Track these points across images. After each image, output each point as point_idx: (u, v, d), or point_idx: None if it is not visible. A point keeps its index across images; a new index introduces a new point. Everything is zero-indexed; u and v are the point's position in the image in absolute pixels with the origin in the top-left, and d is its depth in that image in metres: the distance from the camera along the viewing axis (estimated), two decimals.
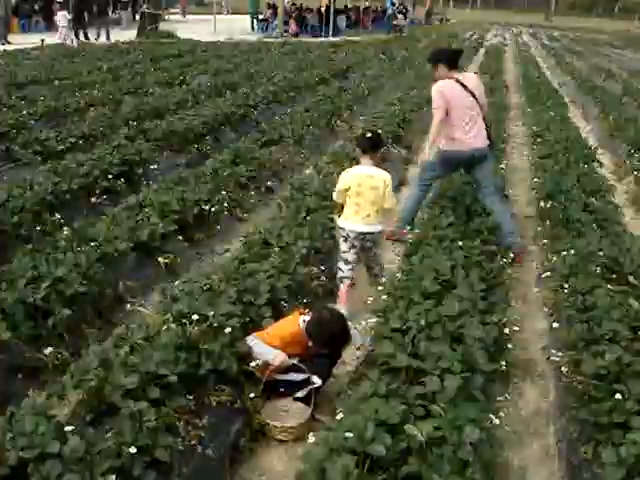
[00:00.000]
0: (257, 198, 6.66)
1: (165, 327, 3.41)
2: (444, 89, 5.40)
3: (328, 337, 3.51)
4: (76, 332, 3.83)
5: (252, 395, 3.29)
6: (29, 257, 4.23)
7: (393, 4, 37.14)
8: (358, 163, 4.78)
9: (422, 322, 3.52)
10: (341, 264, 4.62)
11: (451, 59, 5.59)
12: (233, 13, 39.71)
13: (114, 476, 2.44)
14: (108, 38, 22.44)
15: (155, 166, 7.21)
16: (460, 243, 4.72)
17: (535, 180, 7.40)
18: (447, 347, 3.30)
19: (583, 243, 4.90)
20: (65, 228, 4.93)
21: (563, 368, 3.64)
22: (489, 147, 5.64)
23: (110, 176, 6.33)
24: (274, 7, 32.74)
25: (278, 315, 3.84)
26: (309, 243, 4.77)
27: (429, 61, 5.85)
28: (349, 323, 3.67)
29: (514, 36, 39.99)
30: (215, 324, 3.42)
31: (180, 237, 5.30)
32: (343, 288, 4.58)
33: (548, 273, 4.96)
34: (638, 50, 32.64)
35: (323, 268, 4.78)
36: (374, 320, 4.02)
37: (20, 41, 20.10)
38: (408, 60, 19.11)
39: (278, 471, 3.11)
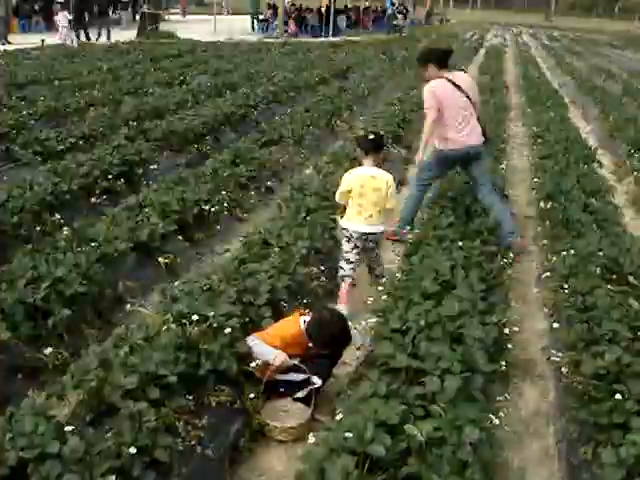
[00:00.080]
0: (257, 198, 6.66)
1: (165, 327, 3.41)
2: (436, 89, 5.41)
3: (328, 338, 3.51)
4: (76, 332, 3.83)
5: (252, 395, 3.29)
6: (29, 257, 4.23)
7: (393, 4, 37.14)
8: (360, 164, 4.80)
9: (422, 322, 3.52)
10: (343, 263, 4.64)
11: (441, 59, 5.59)
12: (233, 13, 39.72)
13: (114, 476, 2.44)
14: (109, 38, 22.46)
15: (155, 166, 7.20)
16: (460, 243, 4.72)
17: (535, 180, 7.40)
18: (447, 347, 3.30)
19: (583, 243, 4.90)
20: (65, 228, 4.93)
21: (563, 368, 3.64)
22: (484, 144, 5.66)
23: (110, 176, 6.33)
24: (274, 7, 32.76)
25: (278, 315, 3.83)
26: (309, 243, 4.77)
27: (418, 61, 5.83)
28: (349, 323, 3.67)
29: (514, 36, 40.00)
30: (215, 324, 3.42)
31: (180, 237, 5.30)
32: (344, 287, 4.59)
33: (548, 273, 4.96)
34: (638, 50, 32.63)
35: (323, 268, 4.78)
36: (374, 320, 4.02)
37: (20, 41, 20.12)
38: (408, 60, 19.09)
39: (278, 471, 3.11)
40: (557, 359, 3.79)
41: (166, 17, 32.99)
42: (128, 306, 4.23)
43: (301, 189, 6.08)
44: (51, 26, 23.84)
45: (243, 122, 9.80)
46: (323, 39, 28.52)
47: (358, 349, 3.82)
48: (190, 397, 3.07)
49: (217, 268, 4.42)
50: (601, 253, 4.65)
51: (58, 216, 5.36)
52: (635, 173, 7.96)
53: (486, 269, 4.43)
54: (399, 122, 9.48)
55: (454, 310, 3.63)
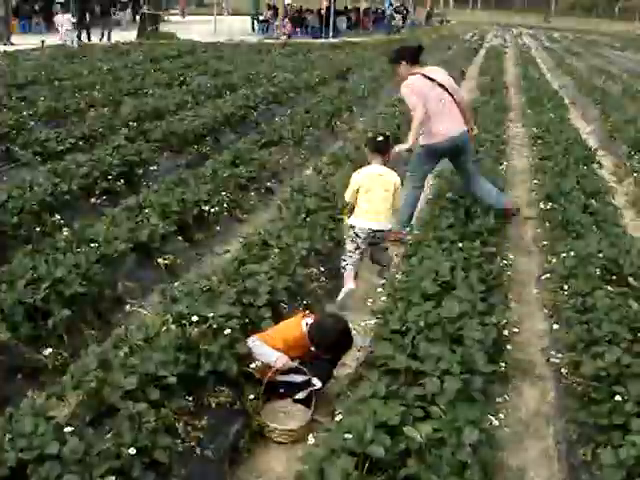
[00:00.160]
0: (257, 199, 6.66)
1: (164, 328, 3.41)
2: (414, 85, 5.46)
3: (331, 344, 3.50)
4: (76, 333, 3.83)
5: (252, 396, 3.29)
6: (29, 258, 4.23)
7: (391, 4, 37.17)
8: (369, 163, 5.01)
9: (421, 323, 3.52)
10: (345, 258, 4.79)
11: (413, 56, 5.66)
12: (233, 14, 39.74)
13: (113, 477, 2.43)
14: (109, 39, 22.47)
15: (155, 167, 7.21)
16: (460, 244, 4.73)
17: (535, 182, 7.41)
18: (446, 348, 3.29)
19: (583, 244, 4.90)
20: (65, 229, 4.93)
21: (563, 369, 3.64)
22: (467, 132, 5.72)
23: (110, 177, 6.33)
24: (274, 8, 32.78)
25: (278, 316, 3.83)
26: (309, 244, 4.77)
27: (391, 61, 5.85)
28: (350, 325, 3.67)
29: (514, 37, 40.01)
30: (215, 325, 3.42)
31: (180, 238, 5.30)
32: (347, 273, 4.75)
33: (548, 274, 4.96)
34: (638, 51, 32.64)
35: (323, 269, 4.78)
36: (374, 321, 4.02)
37: (20, 42, 20.14)
38: None
39: (277, 472, 3.11)
40: (557, 360, 3.79)
41: (166, 18, 33.00)
42: (128, 307, 4.23)
43: (301, 190, 6.08)
44: (51, 27, 23.86)
45: (243, 123, 9.80)
46: (323, 40, 28.53)
47: (358, 350, 3.82)
48: (190, 398, 3.07)
49: (217, 269, 4.42)
50: (601, 254, 4.65)
51: (58, 217, 5.36)
52: (635, 174, 7.96)
53: (486, 270, 4.43)
54: (399, 123, 9.47)
55: (454, 311, 3.63)
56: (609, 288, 4.18)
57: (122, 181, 6.43)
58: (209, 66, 15.37)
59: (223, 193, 6.13)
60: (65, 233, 4.78)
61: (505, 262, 5.02)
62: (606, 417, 3.01)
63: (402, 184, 5.09)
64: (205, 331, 3.39)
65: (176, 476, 2.71)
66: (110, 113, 9.08)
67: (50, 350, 3.51)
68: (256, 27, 32.98)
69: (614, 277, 4.40)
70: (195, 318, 3.44)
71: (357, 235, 4.71)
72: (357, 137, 8.74)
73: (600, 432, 3.01)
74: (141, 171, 6.90)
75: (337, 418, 2.88)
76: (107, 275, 4.32)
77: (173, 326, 3.41)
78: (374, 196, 4.70)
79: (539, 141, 9.21)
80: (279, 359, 3.38)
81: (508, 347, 3.91)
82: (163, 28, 26.12)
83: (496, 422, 3.05)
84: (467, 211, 5.64)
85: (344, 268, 4.77)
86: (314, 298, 4.44)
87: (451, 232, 5.03)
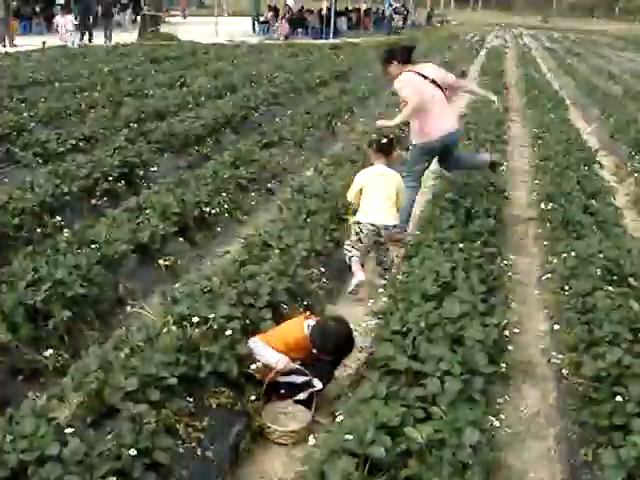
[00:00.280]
0: (257, 200, 6.66)
1: (165, 329, 3.41)
2: (407, 80, 5.48)
3: (333, 347, 3.49)
4: (76, 334, 3.83)
5: (252, 397, 3.29)
6: (29, 259, 4.24)
7: (390, 5, 37.19)
8: (372, 164, 5.13)
9: (422, 324, 3.52)
10: (348, 248, 4.90)
11: (405, 55, 5.68)
12: (234, 15, 39.77)
13: (114, 478, 2.44)
14: (110, 40, 22.50)
15: (155, 168, 7.20)
16: (460, 245, 4.72)
17: (536, 182, 7.41)
18: (447, 349, 3.29)
19: (583, 245, 4.90)
20: (65, 230, 4.93)
21: (563, 370, 3.64)
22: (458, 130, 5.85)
23: (110, 178, 6.32)
24: (275, 9, 32.80)
25: (278, 317, 3.83)
26: (309, 245, 4.77)
27: (382, 61, 5.85)
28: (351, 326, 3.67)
29: (514, 38, 40.01)
30: (215, 326, 3.42)
31: (180, 239, 5.30)
32: (354, 265, 4.83)
33: (548, 275, 4.96)
34: (638, 52, 32.64)
35: (324, 270, 4.78)
36: (374, 322, 4.02)
37: (21, 43, 20.16)
38: None
39: (278, 473, 3.11)
40: (557, 361, 3.79)
41: (166, 19, 33.02)
42: (128, 308, 4.23)
43: (301, 191, 6.08)
44: (52, 28, 23.90)
45: (244, 124, 9.80)
46: (324, 40, 28.56)
47: (359, 351, 3.82)
48: (190, 399, 3.07)
49: (217, 270, 4.42)
50: (602, 255, 4.65)
51: (59, 218, 5.36)
52: (636, 174, 7.95)
53: (486, 271, 4.43)
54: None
55: (454, 312, 3.63)
56: (610, 288, 4.18)
57: (123, 182, 6.43)
58: (210, 67, 15.37)
59: (224, 194, 6.13)
60: (66, 234, 4.78)
61: (506, 262, 5.01)
62: (607, 418, 3.01)
63: None
64: (206, 332, 3.39)
65: (177, 477, 2.71)
66: (111, 114, 9.08)
67: (51, 351, 3.51)
68: (257, 28, 32.99)
69: (615, 277, 4.40)
70: (196, 319, 3.44)
71: (361, 230, 4.81)
72: (358, 138, 8.75)
73: (601, 433, 3.01)
74: (142, 172, 6.90)
75: (338, 419, 2.88)
76: (108, 276, 4.32)
77: (174, 327, 3.41)
78: (377, 195, 4.80)
79: (540, 141, 9.21)
80: (280, 361, 3.38)
81: (509, 348, 3.90)
82: (164, 29, 26.12)
83: (497, 423, 3.05)
84: (468, 212, 5.64)
85: (349, 260, 4.87)
86: (315, 299, 4.44)
87: (452, 233, 5.03)
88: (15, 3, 24.95)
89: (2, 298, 3.68)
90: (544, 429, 3.50)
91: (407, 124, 5.95)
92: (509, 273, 4.95)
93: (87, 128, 8.17)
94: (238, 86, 12.50)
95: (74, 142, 7.57)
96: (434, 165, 6.21)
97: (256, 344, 3.46)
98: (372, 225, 4.77)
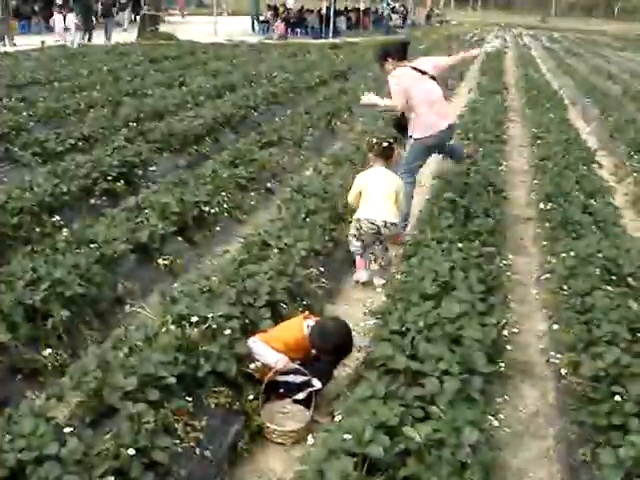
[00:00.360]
0: (257, 199, 6.66)
1: (164, 329, 3.41)
2: (400, 77, 5.48)
3: (332, 347, 3.49)
4: (75, 334, 3.83)
5: (251, 397, 3.29)
6: (28, 258, 4.24)
7: (388, 4, 37.19)
8: (371, 167, 5.17)
9: (421, 324, 3.52)
10: (349, 244, 5.03)
11: (400, 52, 5.67)
12: (233, 14, 39.77)
13: (113, 477, 2.44)
14: (109, 39, 22.49)
15: (154, 168, 7.20)
16: (459, 245, 4.73)
17: (535, 182, 7.41)
18: (446, 349, 3.30)
19: (582, 245, 4.90)
20: (64, 229, 4.94)
21: (562, 370, 3.64)
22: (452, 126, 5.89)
23: (109, 178, 6.32)
24: (275, 8, 32.80)
25: (277, 317, 3.83)
26: (308, 245, 4.77)
27: (377, 59, 5.82)
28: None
29: (514, 37, 40.02)
30: (214, 326, 3.42)
31: (180, 238, 5.30)
32: (357, 260, 5.01)
33: (547, 275, 4.96)
34: (637, 52, 32.65)
35: (323, 270, 4.78)
36: (373, 322, 4.02)
37: (20, 42, 20.15)
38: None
39: (276, 473, 3.11)
40: (556, 360, 3.79)
41: (166, 18, 33.01)
42: (127, 307, 4.24)
43: (301, 190, 6.08)
44: (51, 27, 23.89)
45: (243, 123, 9.80)
46: (323, 40, 28.56)
47: (358, 351, 3.82)
48: (189, 398, 3.06)
49: (216, 269, 4.43)
50: (600, 254, 4.65)
51: (57, 217, 5.36)
52: (635, 174, 7.96)
53: (485, 270, 4.43)
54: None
55: (453, 311, 3.63)
56: (609, 288, 4.18)
57: (122, 182, 6.43)
58: (209, 66, 15.37)
59: (223, 193, 6.13)
60: (65, 234, 4.78)
61: (505, 262, 5.02)
62: (605, 417, 3.01)
63: None
64: (205, 331, 3.40)
65: (175, 477, 2.71)
66: (110, 114, 9.08)
67: (50, 351, 3.51)
68: (256, 27, 32.98)
69: (614, 277, 4.40)
70: (195, 318, 3.44)
71: (361, 227, 4.85)
72: (357, 137, 8.75)
73: (600, 432, 3.01)
74: (141, 172, 6.90)
75: (336, 418, 2.88)
76: (106, 276, 4.32)
77: (173, 326, 3.41)
78: (376, 196, 4.84)
79: (539, 141, 9.21)
80: (279, 360, 3.38)
81: (508, 347, 3.91)
82: (163, 29, 26.12)
83: (496, 422, 3.05)
84: (466, 211, 5.65)
85: (354, 254, 5.03)
86: (314, 298, 4.44)
87: (450, 232, 5.03)
88: (14, 2, 24.96)
89: (1, 297, 3.68)
90: (543, 429, 3.51)
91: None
92: (508, 273, 4.95)
93: (86, 128, 8.17)
94: (237, 85, 12.51)
95: (73, 142, 7.58)
96: (434, 165, 6.22)
97: (255, 344, 3.46)
98: (372, 223, 4.77)
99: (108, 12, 24.49)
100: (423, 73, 5.54)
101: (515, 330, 4.19)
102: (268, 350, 3.42)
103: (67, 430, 2.60)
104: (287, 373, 3.43)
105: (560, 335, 4.01)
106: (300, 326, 3.56)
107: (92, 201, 6.00)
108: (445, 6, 71.86)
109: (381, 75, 15.16)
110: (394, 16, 36.82)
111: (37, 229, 5.12)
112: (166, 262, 4.90)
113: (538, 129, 9.95)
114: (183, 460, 2.79)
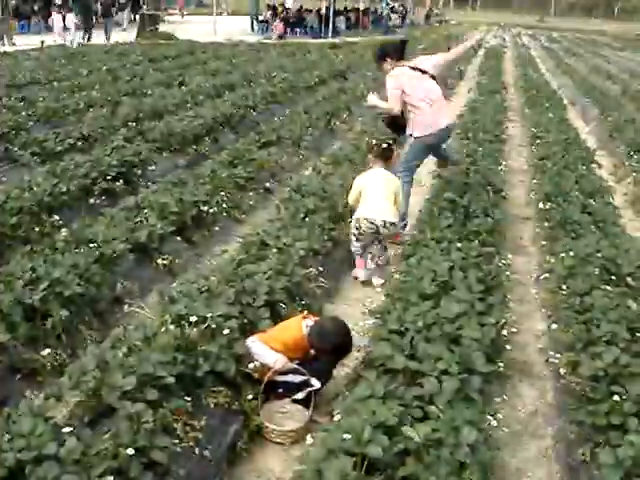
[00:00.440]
0: (255, 199, 6.65)
1: (163, 328, 3.41)
2: (398, 77, 5.49)
3: (331, 348, 3.49)
4: (74, 333, 3.83)
5: (250, 396, 3.29)
6: (27, 258, 4.23)
7: (387, 4, 37.21)
8: (371, 168, 5.20)
9: (420, 324, 3.52)
10: (351, 244, 5.06)
11: (398, 51, 5.68)
12: (233, 14, 39.76)
13: (111, 477, 2.44)
14: (109, 39, 22.49)
15: (153, 167, 7.20)
16: (458, 244, 4.73)
17: (534, 181, 7.41)
18: (445, 348, 3.30)
19: (582, 244, 4.91)
20: (63, 229, 4.94)
21: (561, 369, 3.64)
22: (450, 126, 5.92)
23: (108, 177, 6.32)
24: (274, 8, 32.80)
25: (276, 317, 3.83)
26: (307, 244, 4.77)
27: (376, 59, 5.82)
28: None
29: (513, 37, 40.02)
30: (213, 325, 3.42)
31: (178, 238, 5.30)
32: (357, 259, 5.06)
33: (546, 274, 4.96)
34: (637, 51, 32.66)
35: (321, 269, 4.78)
36: (372, 322, 4.02)
37: (20, 42, 20.14)
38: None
39: (275, 473, 3.11)
40: (555, 360, 3.79)
41: (165, 18, 33.00)
42: (126, 307, 4.23)
43: (300, 190, 6.08)
44: (50, 27, 23.89)
45: (242, 123, 9.80)
46: (322, 40, 28.56)
47: (357, 351, 3.82)
48: (188, 398, 3.06)
49: (215, 269, 4.42)
50: (600, 254, 4.65)
51: (56, 217, 5.36)
52: (634, 174, 7.96)
53: (484, 270, 4.43)
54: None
55: (452, 311, 3.63)
56: (608, 288, 4.19)
57: (121, 181, 6.43)
58: (208, 66, 15.36)
59: (222, 193, 6.13)
60: (64, 233, 4.78)
61: (504, 262, 5.02)
62: (604, 417, 3.01)
63: None
64: (203, 331, 3.39)
65: (174, 476, 2.71)
66: (109, 113, 9.08)
67: (48, 350, 3.51)
68: (255, 27, 32.98)
69: (613, 277, 4.41)
70: (193, 318, 3.44)
71: (360, 226, 4.86)
72: (356, 137, 8.75)
73: (598, 432, 3.01)
74: (140, 171, 6.90)
75: (335, 418, 2.88)
76: (105, 275, 4.32)
77: (171, 326, 3.41)
78: (376, 197, 4.86)
79: (538, 141, 9.21)
80: (278, 360, 3.38)
81: (506, 347, 3.91)
82: (162, 28, 26.11)
83: (494, 422, 3.05)
84: (466, 211, 5.65)
85: (354, 254, 5.09)
86: (313, 298, 4.44)
87: (450, 232, 5.03)
88: (14, 2, 24.95)
89: (0, 297, 3.68)
90: (542, 428, 3.51)
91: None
92: (507, 272, 4.95)
93: (85, 127, 8.16)
94: (236, 85, 12.51)
95: (72, 141, 7.58)
96: (433, 165, 6.22)
97: (254, 343, 3.45)
98: (371, 223, 4.77)
99: (107, 12, 24.49)
100: (423, 72, 5.54)
101: (514, 330, 4.19)
102: (267, 350, 3.42)
103: (66, 430, 2.59)
104: (286, 373, 3.43)
105: (559, 335, 4.01)
106: (299, 326, 3.55)
107: (91, 201, 5.99)
108: (444, 6, 71.90)
109: (380, 75, 15.23)
110: (393, 16, 36.83)
111: (36, 229, 5.12)
112: (165, 262, 4.90)
113: (537, 129, 9.96)
114: (182, 460, 2.79)
